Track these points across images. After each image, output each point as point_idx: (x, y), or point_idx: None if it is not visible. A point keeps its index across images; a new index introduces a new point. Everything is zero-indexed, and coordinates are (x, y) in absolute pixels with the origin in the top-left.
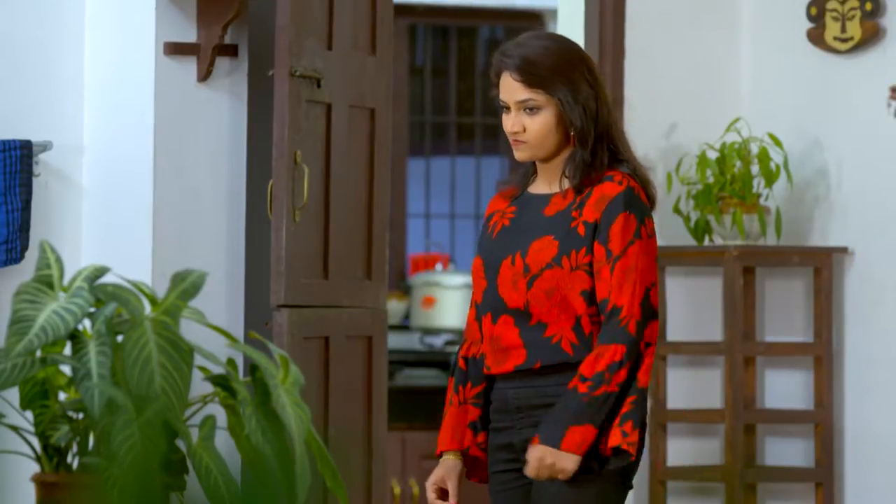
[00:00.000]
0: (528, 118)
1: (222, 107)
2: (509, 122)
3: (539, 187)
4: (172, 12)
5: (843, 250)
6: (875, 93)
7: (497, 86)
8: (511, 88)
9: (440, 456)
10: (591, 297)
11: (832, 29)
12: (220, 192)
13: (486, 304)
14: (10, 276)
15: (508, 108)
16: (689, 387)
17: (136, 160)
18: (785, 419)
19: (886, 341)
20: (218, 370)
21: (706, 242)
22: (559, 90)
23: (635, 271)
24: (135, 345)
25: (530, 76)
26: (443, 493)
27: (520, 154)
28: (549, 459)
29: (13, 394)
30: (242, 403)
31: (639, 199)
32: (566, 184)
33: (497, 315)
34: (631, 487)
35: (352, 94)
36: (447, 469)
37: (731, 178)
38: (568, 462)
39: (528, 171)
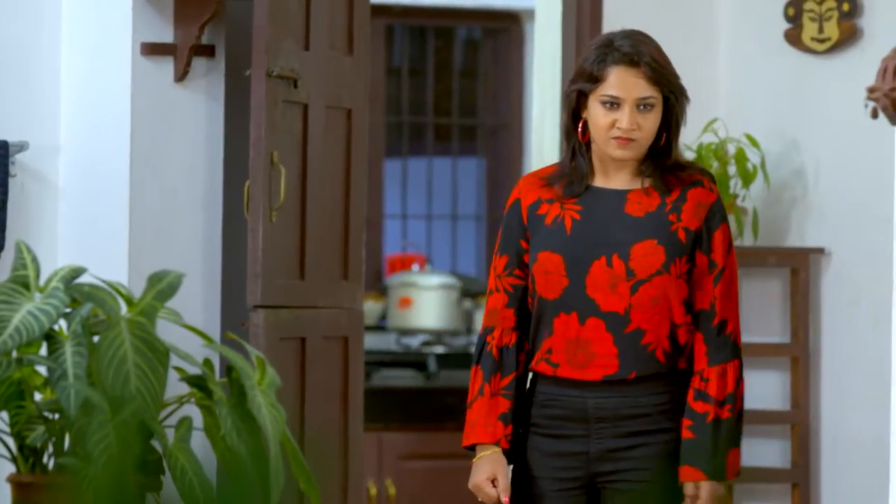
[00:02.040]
0: (641, 116)
1: (199, 107)
2: (625, 119)
3: (607, 182)
4: (149, 12)
5: (820, 251)
6: (852, 93)
7: (599, 79)
8: (633, 84)
9: (469, 448)
10: (689, 305)
11: (809, 30)
12: (197, 192)
13: (567, 303)
14: None
15: (616, 105)
16: None
17: (112, 160)
18: (761, 420)
19: (863, 342)
20: (194, 371)
21: None
22: (673, 90)
23: (734, 283)
24: (110, 345)
25: (656, 73)
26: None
27: (626, 153)
28: (719, 491)
29: None
30: (218, 404)
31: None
32: (643, 182)
33: (585, 316)
34: None
35: (328, 94)
36: (495, 463)
37: None
38: (722, 488)
39: (581, 164)
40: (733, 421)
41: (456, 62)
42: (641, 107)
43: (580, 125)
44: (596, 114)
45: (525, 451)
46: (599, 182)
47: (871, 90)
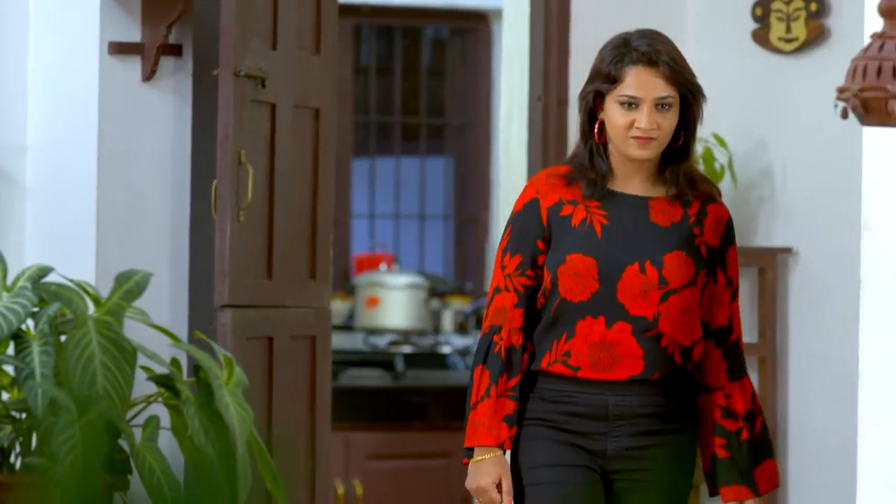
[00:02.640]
0: (660, 115)
1: (167, 107)
2: (644, 119)
3: (626, 186)
4: (117, 12)
5: (788, 251)
6: (820, 93)
7: (618, 80)
8: (652, 84)
9: (468, 450)
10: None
11: (777, 29)
12: (165, 191)
13: (595, 307)
14: None
15: (635, 105)
16: None
17: (79, 160)
18: None
19: (830, 342)
20: (162, 370)
21: None
22: (691, 90)
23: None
24: (78, 344)
25: (675, 72)
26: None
27: (646, 152)
28: None
29: None
30: (186, 404)
31: None
32: (664, 189)
33: (613, 320)
34: None
35: (296, 93)
36: (499, 466)
37: None
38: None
39: (601, 164)
40: (765, 433)
41: (423, 62)
42: (660, 106)
43: (596, 126)
44: (614, 114)
45: (531, 443)
46: (618, 186)
47: (840, 90)
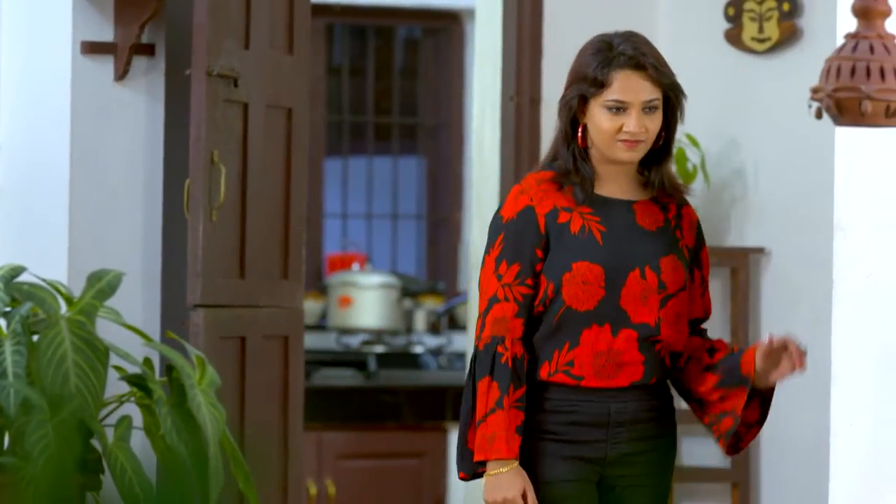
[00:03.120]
0: (647, 118)
1: (139, 106)
2: (634, 123)
3: (610, 190)
4: (89, 11)
5: (760, 251)
6: (792, 93)
7: (605, 84)
8: (640, 87)
9: (479, 464)
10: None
11: (750, 29)
12: (137, 191)
13: (601, 315)
14: None
15: (623, 109)
16: None
17: (52, 159)
18: None
19: (802, 342)
20: (134, 370)
21: None
22: (674, 89)
23: None
24: (50, 344)
25: (661, 74)
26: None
27: (634, 154)
28: None
29: None
30: (158, 403)
31: None
32: (645, 192)
33: (618, 328)
34: None
35: (269, 93)
36: (521, 478)
37: None
38: None
39: (586, 169)
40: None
41: (396, 61)
42: (647, 109)
43: (580, 130)
44: (601, 119)
45: (538, 458)
46: (603, 190)
47: (814, 90)
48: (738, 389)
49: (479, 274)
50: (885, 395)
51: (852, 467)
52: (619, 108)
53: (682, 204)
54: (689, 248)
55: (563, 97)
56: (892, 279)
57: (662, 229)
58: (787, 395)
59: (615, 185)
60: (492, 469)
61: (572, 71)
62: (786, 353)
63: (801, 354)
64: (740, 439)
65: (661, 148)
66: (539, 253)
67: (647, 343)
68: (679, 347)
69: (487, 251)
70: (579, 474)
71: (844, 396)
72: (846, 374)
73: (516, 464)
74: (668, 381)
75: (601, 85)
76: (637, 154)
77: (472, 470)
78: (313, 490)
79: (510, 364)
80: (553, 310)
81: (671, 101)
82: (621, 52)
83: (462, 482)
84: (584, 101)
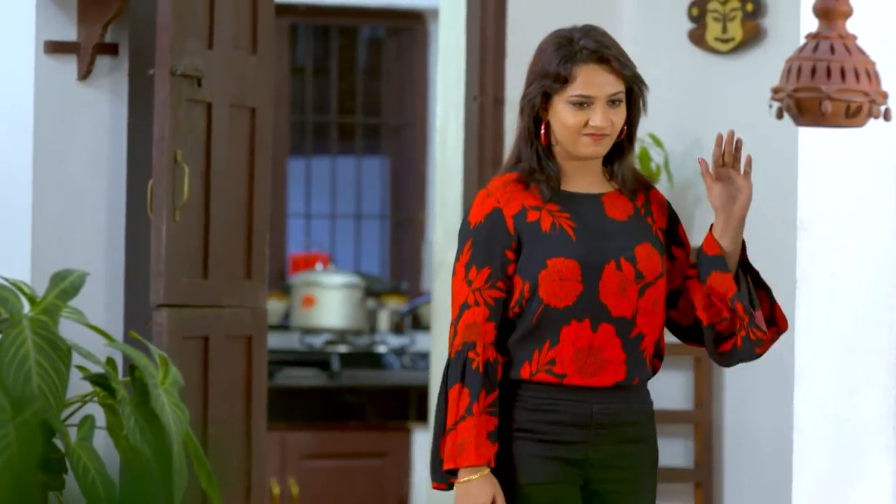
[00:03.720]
0: (612, 112)
1: (103, 106)
2: (599, 117)
3: (577, 186)
4: (53, 10)
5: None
6: (756, 93)
7: (568, 80)
8: (604, 81)
9: (449, 471)
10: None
11: (713, 30)
12: (100, 191)
13: (580, 310)
14: None
15: (588, 104)
16: None
17: (15, 159)
18: (665, 419)
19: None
20: (97, 370)
21: None
22: (636, 82)
23: None
24: (12, 344)
25: (625, 67)
26: None
27: (600, 149)
28: None
29: None
30: (121, 403)
31: None
32: (608, 185)
33: (597, 322)
34: None
35: (232, 93)
36: (491, 485)
37: None
38: None
39: (551, 166)
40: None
41: (360, 61)
42: (611, 103)
43: (542, 128)
44: (565, 115)
45: (519, 459)
46: (570, 186)
47: (775, 91)
48: (721, 273)
49: (451, 282)
50: (847, 395)
51: (815, 466)
52: (584, 103)
53: (650, 188)
54: (663, 231)
55: (525, 95)
56: (856, 279)
57: (633, 218)
58: (750, 393)
59: (581, 180)
60: (462, 477)
61: (533, 68)
62: (729, 171)
63: (736, 143)
64: (776, 325)
65: (623, 141)
66: (510, 255)
67: (629, 339)
68: (656, 335)
69: (457, 258)
70: (561, 476)
71: (807, 395)
72: (809, 373)
73: (487, 471)
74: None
75: (564, 80)
76: (602, 148)
77: (445, 479)
78: (277, 490)
79: (481, 369)
80: (531, 309)
81: (633, 93)
82: (583, 47)
83: (424, 481)
84: (546, 98)
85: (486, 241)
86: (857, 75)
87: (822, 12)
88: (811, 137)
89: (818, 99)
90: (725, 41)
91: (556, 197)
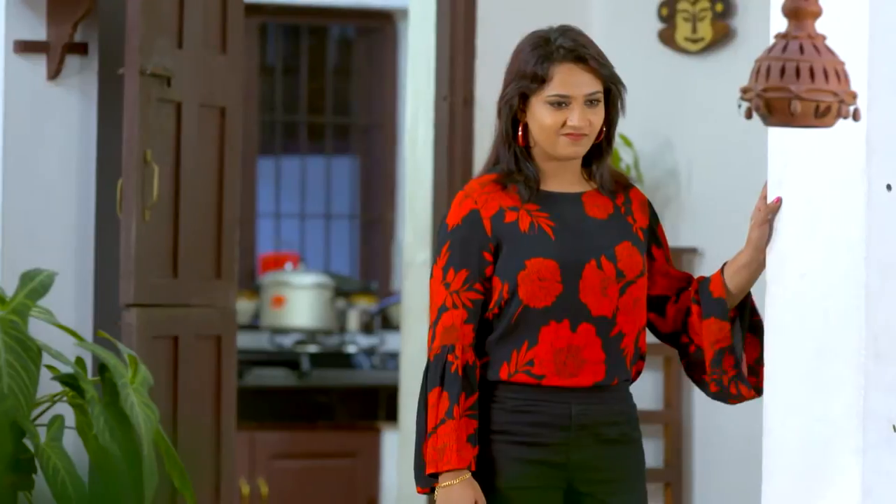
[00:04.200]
0: (590, 111)
1: (72, 105)
2: (577, 117)
3: (556, 185)
4: (22, 10)
5: (693, 251)
6: (726, 93)
7: (546, 80)
8: (582, 80)
9: (431, 475)
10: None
11: (683, 30)
12: (70, 190)
13: (559, 310)
14: None
15: (565, 103)
16: None
17: None
18: None
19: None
20: (66, 369)
21: None
22: (615, 82)
23: None
24: None
25: (602, 66)
26: None
27: (578, 149)
28: None
29: None
30: (91, 403)
31: None
32: (587, 185)
33: (577, 322)
34: None
35: (202, 92)
36: (473, 489)
37: None
38: None
39: (529, 167)
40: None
41: (329, 61)
42: (589, 102)
43: (520, 129)
44: (543, 115)
45: (498, 462)
46: (549, 186)
47: (744, 90)
48: (719, 321)
49: (429, 284)
50: (817, 396)
51: (785, 466)
52: (562, 103)
53: (629, 188)
54: (643, 230)
55: (503, 97)
56: (826, 279)
57: (613, 216)
58: None
59: (560, 180)
60: (443, 481)
61: (510, 69)
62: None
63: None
64: (756, 377)
65: (602, 141)
66: (488, 256)
67: (609, 339)
68: (634, 333)
69: (435, 261)
70: (541, 480)
71: (777, 396)
72: (779, 373)
73: (468, 475)
74: (684, 367)
75: (542, 80)
76: (581, 148)
77: (429, 483)
78: (246, 490)
79: (461, 372)
80: (510, 310)
81: (612, 93)
82: (560, 46)
83: (394, 482)
84: (523, 98)
85: (463, 244)
86: (826, 75)
87: (792, 12)
88: (781, 137)
89: (787, 99)
90: (695, 41)
91: (534, 197)
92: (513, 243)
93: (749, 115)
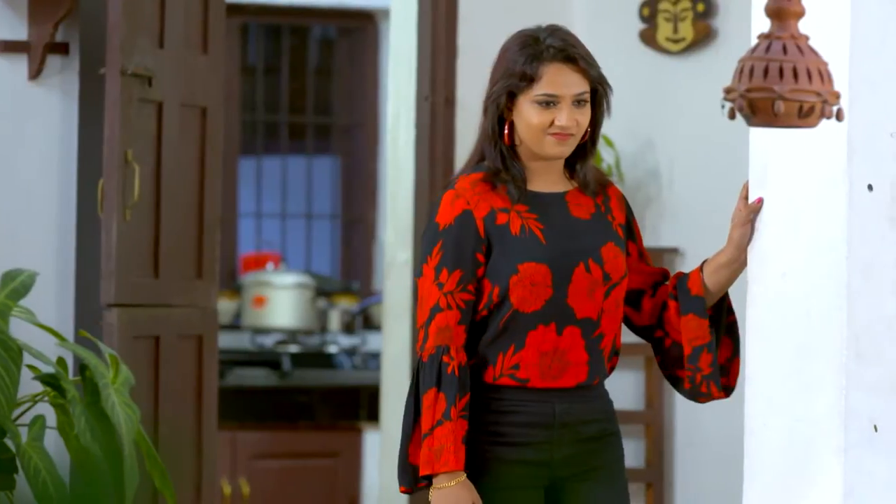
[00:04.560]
0: (577, 112)
1: (53, 105)
2: (565, 116)
3: (541, 185)
4: (3, 9)
5: (675, 251)
6: (707, 93)
7: (534, 79)
8: (571, 80)
9: (427, 477)
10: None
11: (664, 30)
12: (51, 190)
13: (547, 314)
14: None
15: (553, 103)
16: None
17: None
18: None
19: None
20: (48, 369)
21: None
22: (602, 83)
23: None
24: None
25: (591, 66)
26: None
27: (565, 149)
28: None
29: None
30: (72, 403)
31: None
32: (569, 184)
33: (563, 325)
34: None
35: (183, 92)
36: (469, 490)
37: None
38: None
39: (516, 167)
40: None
41: (311, 61)
42: (576, 103)
43: (507, 128)
44: (530, 114)
45: (483, 463)
46: (535, 186)
47: (727, 91)
48: (698, 318)
49: (417, 284)
50: (798, 396)
51: (766, 466)
52: (550, 103)
53: (606, 184)
54: (622, 227)
55: (490, 95)
56: (807, 279)
57: (596, 216)
58: None
59: (544, 179)
60: (439, 483)
61: (497, 68)
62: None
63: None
64: (727, 377)
65: (587, 142)
66: (480, 258)
67: (592, 339)
68: (613, 334)
69: (425, 260)
70: (522, 481)
71: (759, 396)
72: (760, 374)
73: (464, 476)
74: (658, 362)
75: (531, 79)
76: (567, 148)
77: (413, 484)
78: (227, 490)
79: (456, 373)
80: (499, 314)
81: (598, 94)
82: (550, 45)
83: (375, 482)
84: (511, 97)
85: (456, 244)
86: (809, 76)
87: (775, 13)
88: (762, 138)
89: (771, 99)
90: (676, 41)
91: (523, 197)
92: (504, 246)
93: (732, 116)
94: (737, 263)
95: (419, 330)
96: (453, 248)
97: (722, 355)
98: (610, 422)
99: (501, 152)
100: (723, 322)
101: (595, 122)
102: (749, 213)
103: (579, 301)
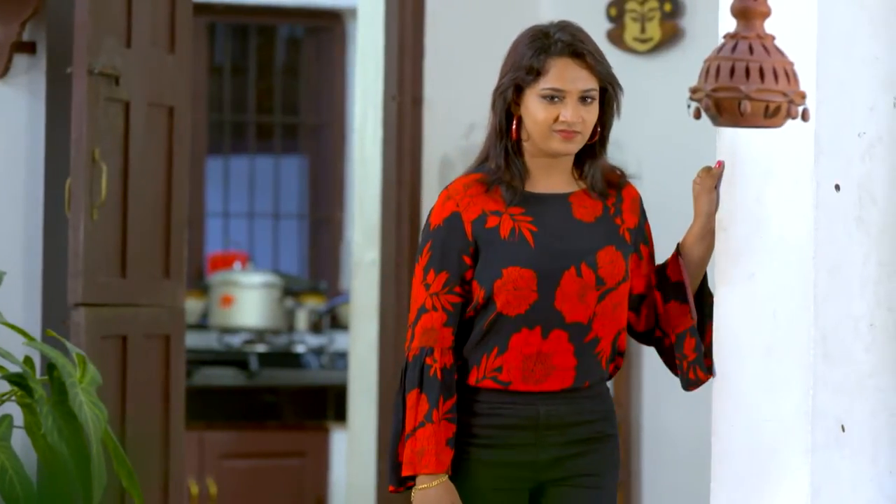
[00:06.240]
0: (584, 109)
1: (20, 104)
2: (570, 112)
3: (544, 185)
4: None
5: None
6: (675, 94)
7: (541, 73)
8: (577, 75)
9: (408, 478)
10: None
11: (632, 30)
12: (18, 189)
13: (532, 318)
14: None
15: (559, 98)
16: None
17: None
18: None
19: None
20: (14, 369)
21: None
22: (611, 81)
23: None
24: None
25: (599, 64)
26: None
27: (570, 146)
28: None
29: None
30: (39, 402)
31: None
32: (577, 185)
33: (549, 329)
34: None
35: (151, 92)
36: (450, 492)
37: None
38: None
39: (517, 165)
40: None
41: (278, 60)
42: (583, 99)
43: (514, 123)
44: (536, 109)
45: (465, 464)
46: (537, 186)
47: (693, 90)
48: (679, 304)
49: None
50: (765, 397)
51: (733, 467)
52: (556, 97)
53: (623, 186)
54: (631, 231)
55: (498, 88)
56: (775, 280)
57: (601, 219)
58: (668, 395)
59: (549, 179)
60: (421, 483)
61: (506, 62)
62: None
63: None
64: (710, 357)
65: (596, 143)
66: (467, 260)
67: (583, 344)
68: (612, 336)
69: (417, 260)
70: (509, 482)
71: (726, 396)
72: (728, 374)
73: (446, 478)
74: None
75: (537, 73)
76: (573, 146)
77: (402, 483)
78: (195, 489)
79: (439, 375)
80: (484, 316)
81: (608, 94)
82: (558, 40)
83: (343, 481)
84: (518, 91)
85: (443, 246)
86: (775, 75)
87: (740, 12)
88: (729, 138)
89: (737, 99)
90: (644, 41)
91: (519, 199)
92: (491, 249)
93: (698, 115)
94: (709, 235)
95: (407, 329)
96: (440, 250)
97: (707, 338)
98: (605, 422)
99: (506, 148)
100: (706, 303)
101: (604, 123)
102: (713, 182)
103: (568, 305)
